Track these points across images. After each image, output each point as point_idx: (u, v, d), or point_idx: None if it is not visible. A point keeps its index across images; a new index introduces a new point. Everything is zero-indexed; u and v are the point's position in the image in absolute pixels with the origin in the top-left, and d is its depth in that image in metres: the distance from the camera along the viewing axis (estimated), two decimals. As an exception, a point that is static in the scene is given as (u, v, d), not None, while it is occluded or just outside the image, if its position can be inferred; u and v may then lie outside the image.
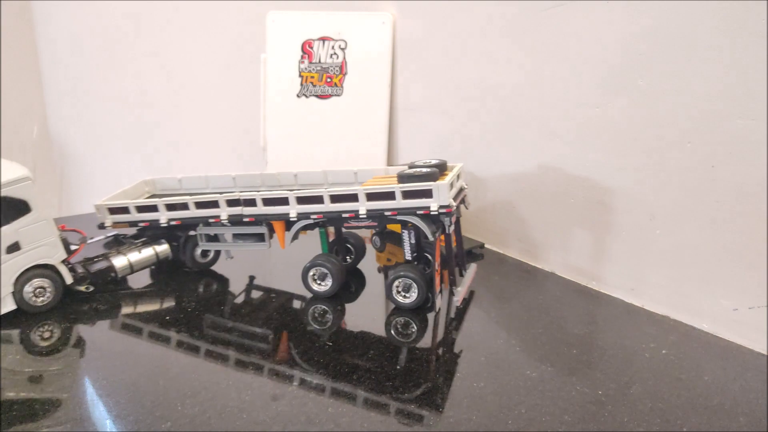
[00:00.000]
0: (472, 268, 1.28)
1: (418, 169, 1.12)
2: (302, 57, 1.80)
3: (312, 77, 1.80)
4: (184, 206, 1.26)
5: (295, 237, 1.21)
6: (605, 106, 1.19)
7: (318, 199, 1.14)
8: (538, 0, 1.28)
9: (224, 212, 1.22)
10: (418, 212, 1.08)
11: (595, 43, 1.19)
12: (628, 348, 1.01)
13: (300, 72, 1.81)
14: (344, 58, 1.77)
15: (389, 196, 1.09)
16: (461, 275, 1.24)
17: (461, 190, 1.18)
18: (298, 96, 1.82)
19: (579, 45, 1.22)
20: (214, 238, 1.29)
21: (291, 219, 1.17)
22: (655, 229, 1.14)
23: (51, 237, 1.16)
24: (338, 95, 1.79)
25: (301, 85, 1.81)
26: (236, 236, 1.27)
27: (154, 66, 2.81)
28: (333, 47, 1.77)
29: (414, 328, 1.09)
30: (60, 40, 3.66)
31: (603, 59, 1.18)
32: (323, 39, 1.78)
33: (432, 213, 1.07)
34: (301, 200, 1.16)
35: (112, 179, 3.40)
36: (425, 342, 1.04)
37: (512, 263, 1.42)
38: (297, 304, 1.21)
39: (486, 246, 1.49)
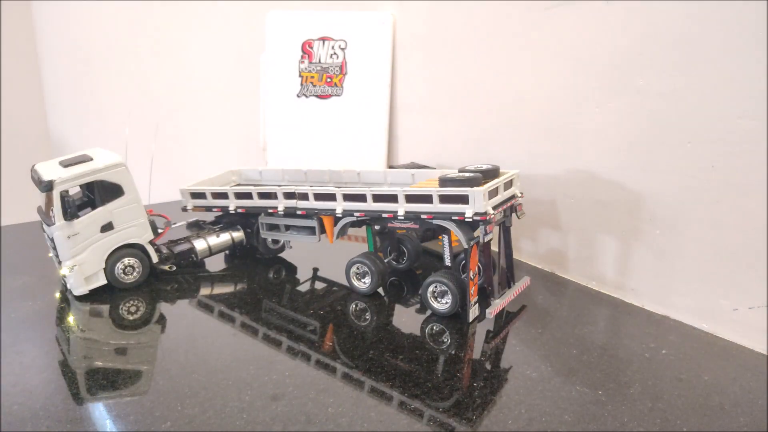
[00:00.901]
0: (523, 281, 1.22)
1: (461, 174, 1.10)
2: (302, 57, 1.80)
3: (312, 77, 1.80)
4: (248, 196, 1.36)
5: (341, 233, 1.24)
6: (605, 105, 1.19)
7: (361, 198, 1.17)
8: (538, 0, 1.28)
9: (281, 204, 1.30)
10: (453, 218, 1.06)
11: (595, 43, 1.19)
12: (628, 348, 1.01)
13: (300, 72, 1.81)
14: (344, 58, 1.77)
15: (427, 199, 1.09)
16: (508, 287, 1.18)
17: (512, 197, 1.14)
18: (298, 96, 1.82)
19: (579, 45, 1.22)
20: (274, 228, 1.38)
21: (337, 215, 1.22)
22: (654, 229, 1.14)
23: (141, 219, 1.27)
24: (338, 95, 1.79)
25: (301, 85, 1.81)
26: (291, 228, 1.35)
27: (154, 66, 2.82)
28: (333, 47, 1.77)
29: (418, 328, 1.09)
30: (60, 40, 3.66)
31: (603, 59, 1.18)
32: (323, 39, 1.78)
33: (466, 219, 1.04)
34: (347, 197, 1.20)
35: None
36: (425, 342, 1.04)
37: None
38: (349, 299, 1.22)
39: (486, 246, 1.49)
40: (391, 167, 1.61)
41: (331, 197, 1.22)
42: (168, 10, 2.60)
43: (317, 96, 1.80)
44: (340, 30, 1.76)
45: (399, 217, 1.13)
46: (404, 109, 1.73)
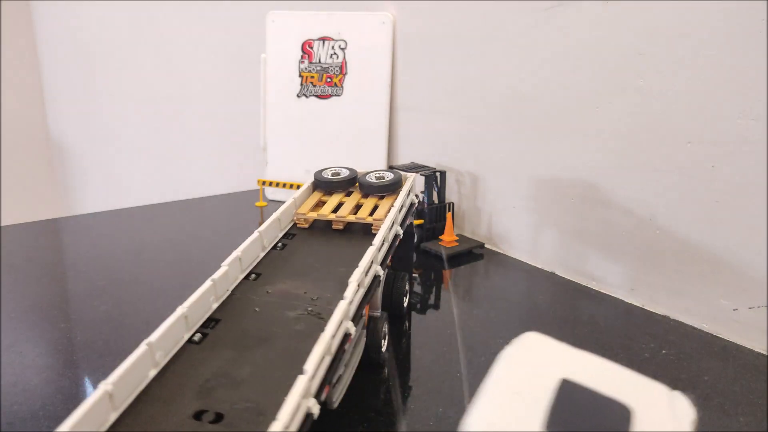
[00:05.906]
0: None
1: (380, 175, 1.13)
2: (302, 57, 1.81)
3: (312, 77, 1.80)
4: None
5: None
6: (605, 106, 1.19)
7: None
8: (538, 0, 1.28)
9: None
10: (417, 207, 1.21)
11: (595, 43, 1.19)
12: (628, 348, 1.01)
13: (300, 72, 1.81)
14: (344, 58, 1.77)
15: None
16: None
17: None
18: (298, 96, 1.82)
19: (579, 45, 1.22)
20: None
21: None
22: (655, 229, 1.14)
23: None
24: (338, 95, 1.79)
25: (301, 85, 1.81)
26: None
27: (154, 66, 2.82)
28: (333, 47, 1.78)
29: (411, 328, 1.09)
30: (60, 40, 3.66)
31: (603, 59, 1.18)
32: (323, 39, 1.78)
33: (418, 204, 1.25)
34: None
35: (111, 179, 3.41)
36: (423, 342, 1.04)
37: (512, 263, 1.42)
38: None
39: (486, 246, 1.49)
40: (391, 167, 1.61)
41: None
42: (168, 10, 2.60)
43: (317, 96, 1.80)
44: (340, 30, 1.77)
45: (399, 236, 1.04)
46: (404, 109, 1.73)
